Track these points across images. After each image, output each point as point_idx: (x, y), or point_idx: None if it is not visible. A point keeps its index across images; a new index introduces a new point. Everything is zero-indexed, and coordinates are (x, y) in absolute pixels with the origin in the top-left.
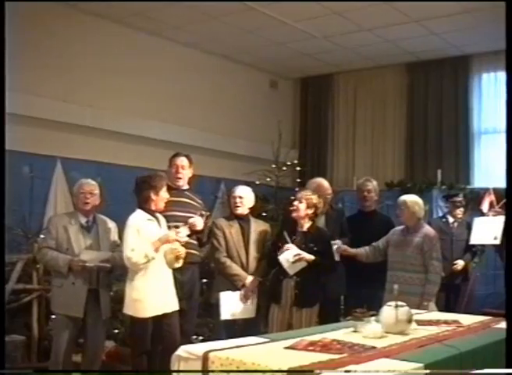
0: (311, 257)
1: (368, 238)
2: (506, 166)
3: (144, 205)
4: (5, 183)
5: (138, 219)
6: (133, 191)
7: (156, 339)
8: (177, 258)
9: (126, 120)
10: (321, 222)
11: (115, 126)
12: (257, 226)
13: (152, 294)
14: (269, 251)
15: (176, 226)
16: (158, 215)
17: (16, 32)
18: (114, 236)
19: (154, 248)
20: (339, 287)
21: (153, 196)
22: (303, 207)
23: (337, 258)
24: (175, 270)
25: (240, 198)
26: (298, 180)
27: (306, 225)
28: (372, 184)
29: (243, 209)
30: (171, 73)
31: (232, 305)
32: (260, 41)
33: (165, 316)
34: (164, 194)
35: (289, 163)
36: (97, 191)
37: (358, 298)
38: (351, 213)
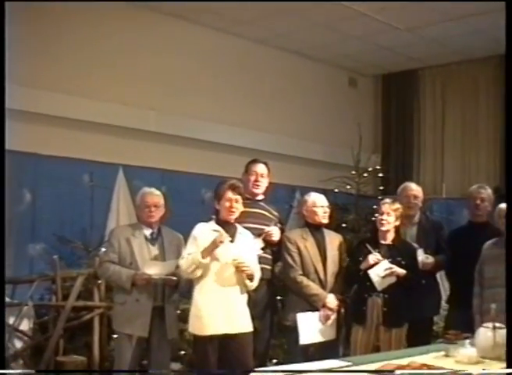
0: (402, 271)
1: (477, 255)
2: (506, 166)
3: (214, 214)
4: (5, 183)
5: (201, 228)
6: None
7: (224, 362)
8: (240, 271)
9: (192, 124)
10: (412, 233)
11: (181, 131)
12: (332, 238)
13: (212, 311)
14: (349, 265)
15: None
16: (239, 227)
17: (72, 31)
18: (180, 249)
19: (203, 254)
20: (431, 306)
21: (216, 205)
22: (392, 220)
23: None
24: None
25: (323, 207)
26: (381, 188)
27: (390, 237)
28: (486, 192)
29: (327, 219)
30: (240, 72)
31: (311, 327)
32: (336, 35)
33: (234, 337)
34: (226, 203)
35: (370, 169)
36: (161, 203)
37: (452, 318)
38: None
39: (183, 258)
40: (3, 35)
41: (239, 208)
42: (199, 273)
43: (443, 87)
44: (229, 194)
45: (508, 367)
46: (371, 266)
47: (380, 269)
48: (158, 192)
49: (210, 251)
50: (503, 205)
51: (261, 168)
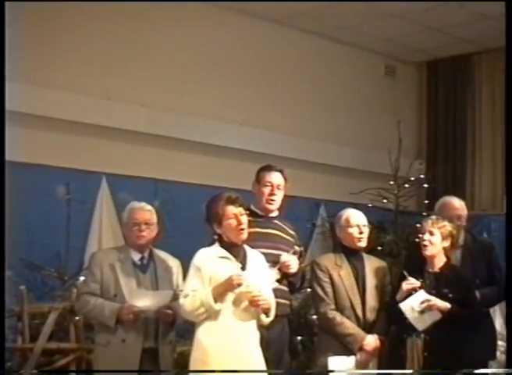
0: (445, 305)
1: None
2: (506, 166)
3: (217, 237)
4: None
5: (204, 256)
6: None
7: None
8: (253, 305)
9: (192, 124)
10: (455, 259)
11: (178, 132)
12: (372, 265)
13: (222, 356)
14: (391, 299)
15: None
16: (248, 249)
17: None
18: (177, 277)
19: (215, 295)
20: (487, 350)
21: (216, 228)
22: (437, 240)
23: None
24: (260, 324)
25: (358, 226)
26: (426, 202)
27: (438, 263)
28: None
29: (365, 242)
30: (249, 59)
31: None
32: (370, 13)
33: None
34: (231, 222)
35: (412, 178)
36: (154, 220)
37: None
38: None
39: (186, 296)
40: (3, 35)
41: (246, 223)
42: (205, 316)
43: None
44: (232, 209)
45: (508, 367)
46: (407, 297)
47: (415, 302)
48: (149, 207)
49: (224, 294)
50: None
51: (276, 177)
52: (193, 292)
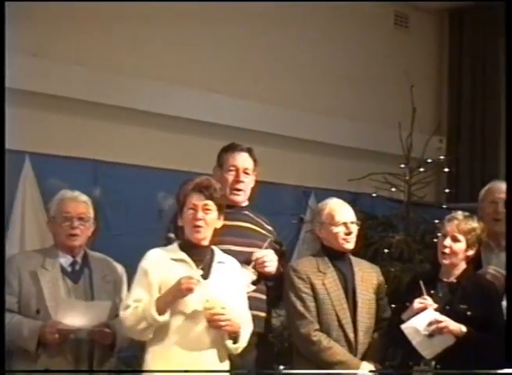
0: (459, 328)
1: None
2: (506, 166)
3: (174, 236)
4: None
5: (154, 257)
6: None
7: None
8: (212, 326)
9: (143, 88)
10: (498, 263)
11: (123, 99)
12: (365, 273)
13: None
14: (394, 316)
15: None
16: (217, 254)
17: None
18: (120, 288)
19: (160, 306)
20: None
21: (179, 220)
22: (461, 248)
23: None
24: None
25: (345, 224)
26: (446, 191)
27: (456, 272)
28: None
29: (353, 244)
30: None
31: None
32: None
33: None
34: (188, 213)
35: (430, 161)
36: (90, 214)
37: None
38: None
39: (127, 307)
40: (3, 35)
41: (209, 221)
42: (152, 333)
43: None
44: (194, 199)
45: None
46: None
47: (422, 322)
48: (84, 198)
49: (170, 302)
50: None
51: (242, 159)
52: (137, 303)
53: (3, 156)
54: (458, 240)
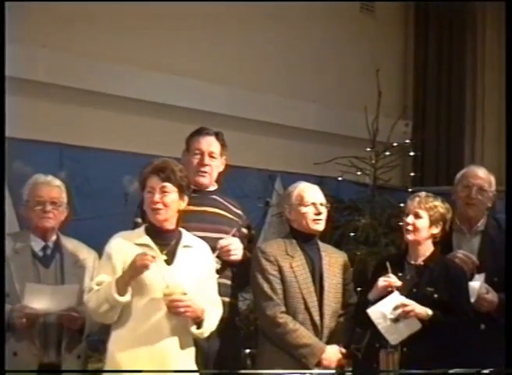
0: (426, 311)
1: None
2: (506, 166)
3: (143, 217)
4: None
5: (120, 240)
6: None
7: None
8: (171, 312)
9: (105, 71)
10: (471, 248)
11: (89, 81)
12: (332, 257)
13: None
14: (360, 300)
15: None
16: (184, 237)
17: None
18: (90, 272)
19: (120, 286)
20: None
21: (144, 205)
22: (424, 225)
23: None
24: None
25: (315, 205)
26: (412, 174)
27: (423, 253)
28: None
29: (323, 225)
30: None
31: None
32: None
33: None
34: (146, 196)
35: (395, 144)
36: (63, 198)
37: None
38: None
39: (90, 290)
40: (3, 35)
41: (169, 202)
42: (115, 316)
43: None
44: (153, 181)
45: (508, 367)
46: (383, 297)
47: (387, 306)
48: (58, 182)
49: (127, 281)
50: None
51: (208, 142)
52: (99, 286)
53: (3, 153)
54: (420, 216)
